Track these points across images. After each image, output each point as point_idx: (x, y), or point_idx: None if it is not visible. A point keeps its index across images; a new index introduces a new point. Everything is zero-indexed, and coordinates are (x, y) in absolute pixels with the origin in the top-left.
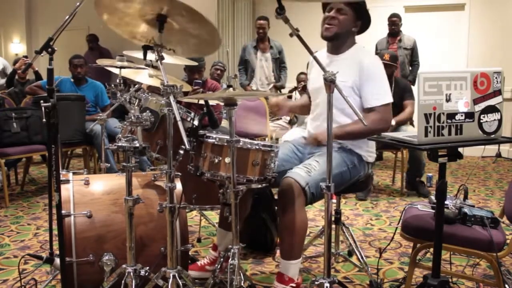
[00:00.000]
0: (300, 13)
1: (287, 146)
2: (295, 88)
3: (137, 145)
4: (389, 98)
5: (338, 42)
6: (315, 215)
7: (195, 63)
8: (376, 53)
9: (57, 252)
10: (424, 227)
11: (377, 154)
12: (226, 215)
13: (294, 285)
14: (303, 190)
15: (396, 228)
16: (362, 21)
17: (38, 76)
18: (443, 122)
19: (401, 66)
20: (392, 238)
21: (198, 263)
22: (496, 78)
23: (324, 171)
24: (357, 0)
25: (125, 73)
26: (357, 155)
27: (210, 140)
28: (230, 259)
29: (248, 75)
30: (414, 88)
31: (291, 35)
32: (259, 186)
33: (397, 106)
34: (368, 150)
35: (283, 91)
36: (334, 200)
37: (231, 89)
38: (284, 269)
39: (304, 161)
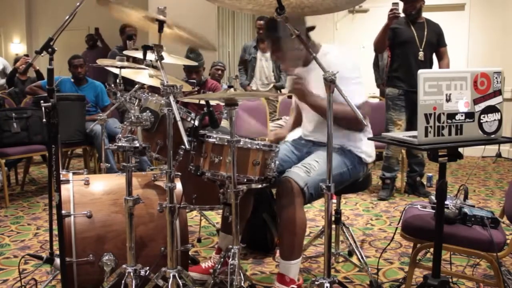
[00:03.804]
0: None
1: (285, 146)
2: None
3: (137, 145)
4: (364, 96)
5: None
6: (315, 215)
7: (195, 63)
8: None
9: (57, 252)
10: (424, 227)
11: (377, 154)
12: (226, 215)
13: (295, 286)
14: (302, 191)
15: (396, 228)
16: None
17: (39, 75)
18: (443, 122)
19: None
20: (392, 238)
21: (202, 265)
22: (496, 78)
23: (323, 172)
24: (347, 8)
25: (125, 73)
26: (357, 156)
27: (210, 140)
28: (230, 259)
29: (248, 75)
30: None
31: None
32: (260, 186)
33: (434, 47)
34: (367, 152)
35: (283, 91)
36: (334, 200)
37: (232, 89)
38: (284, 270)
39: (303, 160)
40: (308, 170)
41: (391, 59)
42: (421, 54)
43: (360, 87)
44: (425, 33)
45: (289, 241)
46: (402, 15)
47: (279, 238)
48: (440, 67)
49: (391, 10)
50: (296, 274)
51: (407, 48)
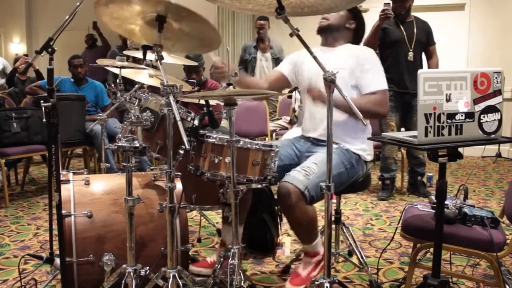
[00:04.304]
0: None
1: (285, 143)
2: (295, 88)
3: (137, 145)
4: (386, 85)
5: (332, 35)
6: None
7: (194, 63)
8: (377, 52)
9: (57, 252)
10: (424, 227)
11: (376, 154)
12: (226, 215)
13: (319, 257)
14: (302, 194)
15: (396, 228)
16: (357, 23)
17: (38, 75)
18: (443, 122)
19: None
20: (392, 238)
21: (208, 260)
22: (496, 78)
23: (322, 174)
24: (347, 8)
25: (125, 73)
26: (354, 155)
27: (210, 140)
28: (230, 259)
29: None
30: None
31: (291, 35)
32: (259, 186)
33: (423, 46)
34: (365, 149)
35: (283, 91)
36: (334, 200)
37: (231, 87)
38: (308, 249)
39: (302, 163)
40: (307, 173)
41: (381, 60)
42: (410, 54)
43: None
44: (415, 32)
45: (303, 233)
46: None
47: (293, 231)
48: (429, 66)
49: (383, 10)
50: (319, 248)
51: (397, 49)
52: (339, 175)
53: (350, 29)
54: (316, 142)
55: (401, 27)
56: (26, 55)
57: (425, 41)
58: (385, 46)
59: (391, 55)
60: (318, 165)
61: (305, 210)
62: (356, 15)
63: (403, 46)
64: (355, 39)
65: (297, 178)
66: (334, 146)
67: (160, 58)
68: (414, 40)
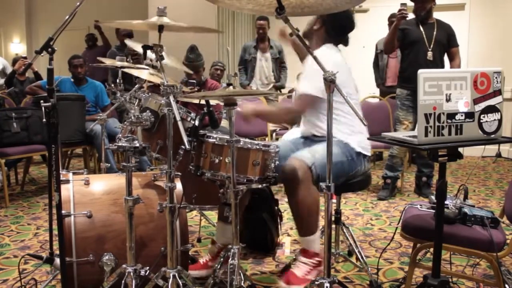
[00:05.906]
0: None
1: (285, 144)
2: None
3: (137, 145)
4: (311, 90)
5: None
6: None
7: (191, 70)
8: (377, 52)
9: (57, 252)
10: (424, 227)
11: (377, 154)
12: (226, 214)
13: (319, 259)
14: (310, 169)
15: (396, 228)
16: (322, 21)
17: (37, 76)
18: (443, 122)
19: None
20: (392, 238)
21: (200, 261)
22: (496, 78)
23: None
24: (347, 8)
25: (126, 70)
26: (354, 150)
27: (210, 140)
28: (230, 259)
29: (248, 75)
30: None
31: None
32: (260, 186)
33: (444, 47)
34: (363, 145)
35: (283, 91)
36: (334, 200)
37: (231, 87)
38: (307, 245)
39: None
40: (313, 154)
41: (401, 59)
42: (429, 54)
43: (316, 81)
44: (434, 33)
45: (305, 221)
46: (411, 15)
47: (294, 219)
48: (451, 67)
49: (399, 10)
50: (318, 247)
51: (415, 48)
52: (342, 164)
53: (318, 30)
54: (314, 138)
55: (421, 27)
56: (24, 57)
57: (446, 43)
58: (405, 46)
59: (409, 54)
60: (320, 148)
61: (310, 190)
62: (321, 15)
63: (421, 46)
64: (336, 37)
65: (303, 155)
66: (334, 139)
67: (160, 58)
68: (433, 40)
